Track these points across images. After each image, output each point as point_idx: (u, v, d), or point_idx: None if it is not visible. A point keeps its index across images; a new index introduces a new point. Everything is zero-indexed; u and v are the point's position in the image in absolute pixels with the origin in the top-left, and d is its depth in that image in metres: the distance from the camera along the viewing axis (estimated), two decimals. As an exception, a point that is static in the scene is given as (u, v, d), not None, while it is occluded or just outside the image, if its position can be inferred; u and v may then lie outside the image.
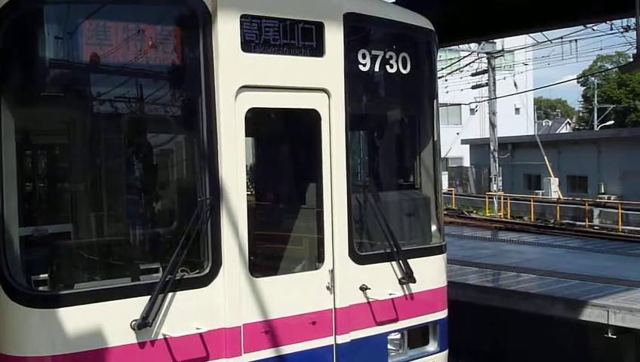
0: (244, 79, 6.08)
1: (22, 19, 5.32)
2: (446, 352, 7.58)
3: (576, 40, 40.93)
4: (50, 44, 5.46)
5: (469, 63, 45.13)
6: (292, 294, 6.44)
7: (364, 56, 6.92)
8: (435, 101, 7.78)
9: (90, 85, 5.81)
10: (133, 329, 5.49)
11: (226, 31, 5.96)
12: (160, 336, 5.64)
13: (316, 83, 6.54)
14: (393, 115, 8.08)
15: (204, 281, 5.90)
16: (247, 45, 6.09)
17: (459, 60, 45.34)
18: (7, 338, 5.32)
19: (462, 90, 49.23)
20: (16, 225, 5.37)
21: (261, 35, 6.17)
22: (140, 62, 5.74)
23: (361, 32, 7.01)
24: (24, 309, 5.24)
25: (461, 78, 46.77)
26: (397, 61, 7.17)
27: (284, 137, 7.85)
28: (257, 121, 6.74)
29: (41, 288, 5.51)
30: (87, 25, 5.45)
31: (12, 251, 5.29)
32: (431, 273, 7.43)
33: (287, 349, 6.33)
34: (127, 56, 5.66)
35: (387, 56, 7.10)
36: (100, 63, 5.56)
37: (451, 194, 44.37)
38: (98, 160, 6.23)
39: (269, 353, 6.24)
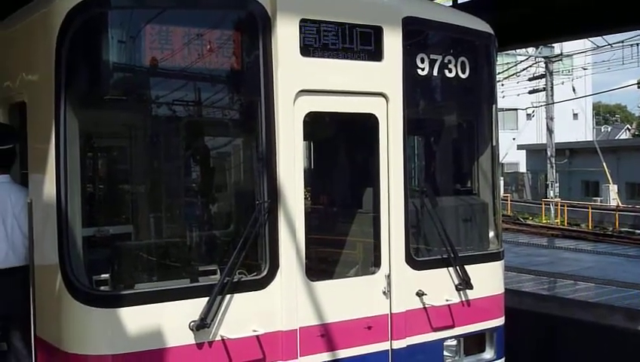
0: (302, 83, 6.10)
1: (88, 23, 5.43)
2: (503, 360, 7.48)
3: (637, 44, 40.23)
4: (115, 48, 5.56)
5: (526, 68, 44.57)
6: (348, 298, 6.43)
7: (422, 61, 6.87)
8: (493, 106, 7.70)
9: (151, 89, 5.90)
10: (192, 330, 5.55)
11: (286, 35, 5.99)
12: (218, 338, 5.69)
13: (374, 87, 6.52)
14: (451, 120, 8.00)
15: (261, 284, 5.93)
16: (306, 49, 6.10)
17: (516, 65, 44.83)
18: (69, 336, 5.43)
19: (518, 94, 48.67)
20: (80, 226, 5.49)
21: (320, 40, 6.18)
22: (201, 66, 5.80)
23: (419, 36, 6.97)
24: (86, 308, 5.34)
25: (518, 82, 46.27)
26: (456, 65, 7.10)
27: (341, 141, 7.85)
28: (315, 125, 6.76)
29: (102, 288, 5.60)
30: (150, 29, 5.53)
31: (75, 251, 5.40)
32: (488, 279, 7.34)
33: (343, 353, 6.32)
34: (188, 60, 5.72)
35: (446, 61, 7.04)
36: (162, 67, 5.64)
37: (507, 201, 43.83)
38: (158, 162, 6.31)
39: (324, 357, 6.23)
